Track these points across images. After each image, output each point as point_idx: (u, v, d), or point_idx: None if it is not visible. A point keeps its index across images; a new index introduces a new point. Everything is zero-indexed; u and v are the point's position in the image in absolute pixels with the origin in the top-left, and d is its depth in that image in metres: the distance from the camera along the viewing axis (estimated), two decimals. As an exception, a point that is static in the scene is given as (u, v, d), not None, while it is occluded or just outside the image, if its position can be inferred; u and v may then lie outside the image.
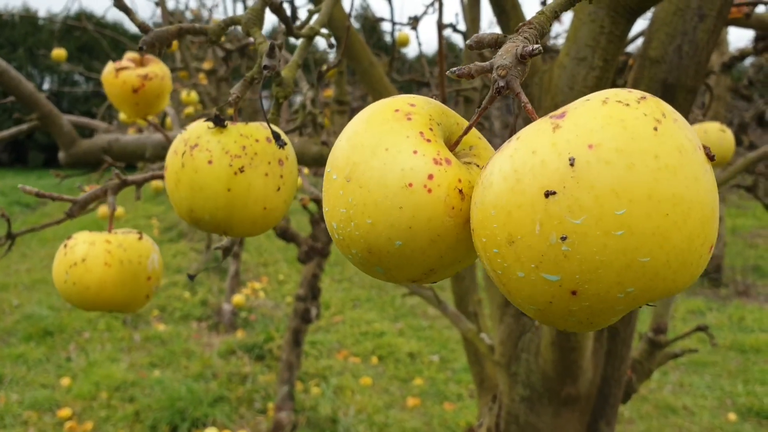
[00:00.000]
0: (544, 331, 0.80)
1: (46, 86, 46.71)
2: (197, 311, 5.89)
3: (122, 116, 2.95)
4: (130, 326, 5.46)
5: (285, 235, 3.80)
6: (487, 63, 0.36)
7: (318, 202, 1.45)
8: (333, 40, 0.66)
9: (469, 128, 0.42)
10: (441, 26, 1.11)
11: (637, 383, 1.05)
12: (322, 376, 4.46)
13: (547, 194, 0.33)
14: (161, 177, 0.90)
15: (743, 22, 1.05)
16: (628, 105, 0.34)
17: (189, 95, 3.36)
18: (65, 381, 4.19)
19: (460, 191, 0.39)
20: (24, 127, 1.09)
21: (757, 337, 5.45)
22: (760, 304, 7.16)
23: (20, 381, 4.23)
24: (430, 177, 0.38)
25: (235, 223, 0.57)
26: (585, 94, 0.64)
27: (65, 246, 0.80)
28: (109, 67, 0.87)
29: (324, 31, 0.65)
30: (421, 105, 0.43)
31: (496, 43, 0.39)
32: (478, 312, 1.43)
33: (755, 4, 1.05)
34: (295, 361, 3.64)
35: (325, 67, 0.88)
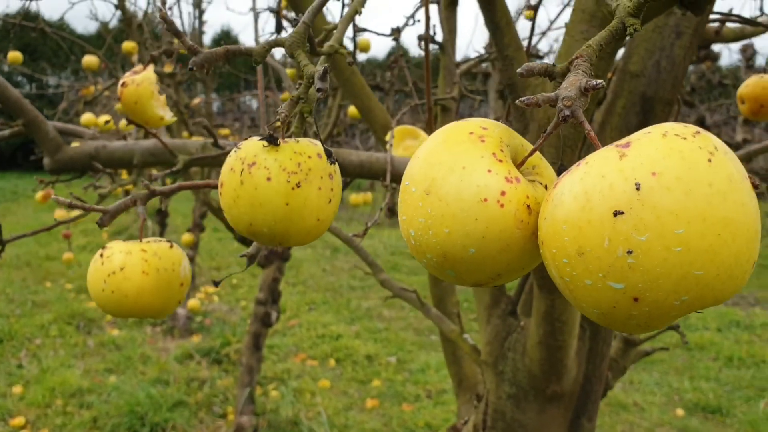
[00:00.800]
0: (531, 331, 0.85)
1: (-15, 85, 45.38)
2: (151, 316, 5.81)
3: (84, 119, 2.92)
4: (83, 332, 5.36)
5: (245, 239, 3.80)
6: (553, 94, 0.41)
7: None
8: (350, 59, 0.71)
9: (533, 151, 0.47)
10: (428, 39, 1.16)
11: (613, 380, 1.11)
12: (281, 379, 4.46)
13: (616, 213, 0.38)
14: (188, 188, 0.93)
15: (713, 39, 1.13)
16: (685, 138, 0.40)
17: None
18: (17, 389, 4.10)
19: (528, 206, 0.44)
20: (6, 132, 1.10)
21: (701, 335, 5.66)
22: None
23: (-31, 390, 4.12)
24: (503, 193, 0.44)
25: (291, 235, 0.62)
26: (577, 110, 0.70)
27: (101, 256, 0.83)
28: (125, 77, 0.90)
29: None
30: (492, 128, 0.48)
31: (546, 72, 0.45)
32: (456, 313, 1.48)
33: (723, 22, 1.13)
34: (255, 364, 3.65)
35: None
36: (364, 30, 1.48)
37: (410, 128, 1.11)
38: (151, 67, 0.93)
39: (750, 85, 1.19)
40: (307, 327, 5.79)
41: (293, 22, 3.19)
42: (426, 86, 1.14)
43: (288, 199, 0.58)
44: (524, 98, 0.42)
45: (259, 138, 0.58)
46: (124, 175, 7.27)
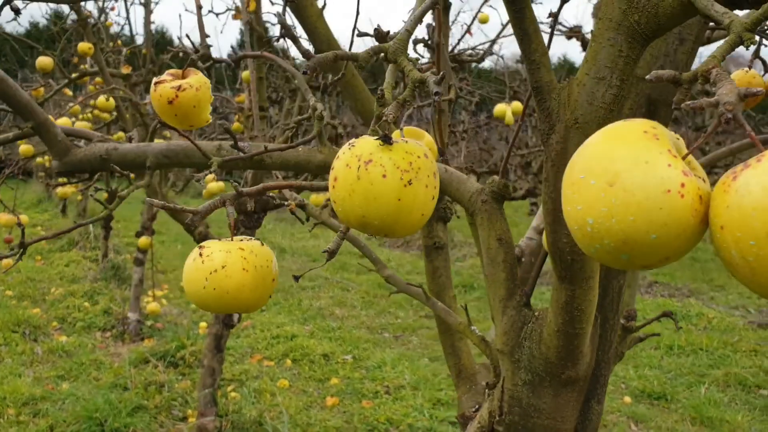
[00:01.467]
0: (549, 320, 0.90)
1: None
2: (100, 321, 5.70)
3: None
4: (29, 339, 5.21)
5: (205, 239, 3.78)
6: (714, 99, 0.47)
7: (302, 207, 1.51)
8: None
9: (693, 149, 0.53)
10: (439, 45, 1.20)
11: (613, 365, 1.18)
12: (239, 380, 4.45)
13: None
14: (274, 188, 0.96)
15: (705, 43, 1.21)
16: None
17: (108, 101, 3.27)
18: (-35, 399, 3.97)
19: (700, 197, 0.51)
20: (12, 135, 1.10)
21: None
22: (641, 294, 7.73)
23: None
24: (683, 185, 0.50)
25: (398, 228, 0.67)
26: (603, 109, 0.76)
27: (201, 255, 0.85)
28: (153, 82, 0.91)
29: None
30: (659, 128, 0.55)
31: (673, 80, 0.51)
32: (455, 306, 1.53)
33: (714, 29, 1.21)
34: (217, 366, 3.63)
35: (330, 79, 0.95)
36: (366, 34, 1.51)
37: (416, 129, 1.16)
38: (197, 72, 0.94)
39: (734, 79, 1.26)
40: (261, 328, 5.77)
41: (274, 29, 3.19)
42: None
43: (400, 195, 0.64)
44: (689, 102, 0.48)
45: (375, 138, 0.63)
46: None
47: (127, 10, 8.94)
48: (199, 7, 1.12)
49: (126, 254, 9.03)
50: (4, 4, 1.09)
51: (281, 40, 4.33)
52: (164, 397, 4.02)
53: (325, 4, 1.46)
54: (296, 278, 0.98)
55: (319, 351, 5.14)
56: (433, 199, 0.67)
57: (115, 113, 3.39)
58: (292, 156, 0.97)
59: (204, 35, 1.07)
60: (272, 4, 2.94)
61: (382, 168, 0.63)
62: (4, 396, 3.93)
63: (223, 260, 0.85)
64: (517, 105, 3.66)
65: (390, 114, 0.60)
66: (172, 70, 0.92)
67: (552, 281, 0.88)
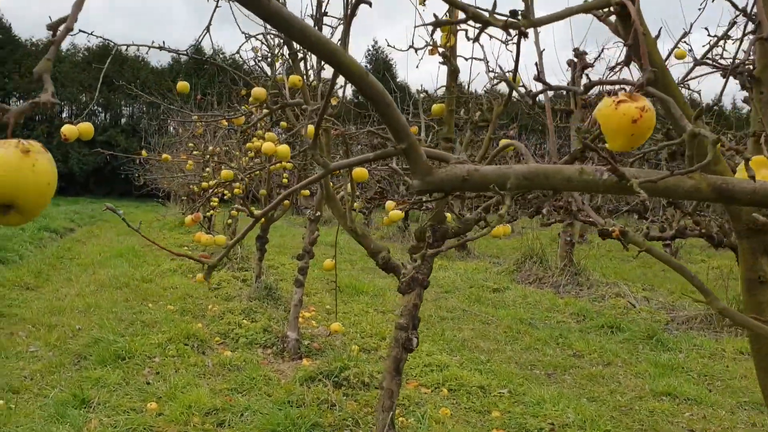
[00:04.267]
0: None
1: (64, 115, 47.10)
2: (260, 338, 5.94)
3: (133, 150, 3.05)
4: (198, 352, 5.50)
5: (387, 266, 3.89)
6: None
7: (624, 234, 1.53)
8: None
9: None
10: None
11: None
12: (402, 404, 4.49)
13: None
14: None
15: None
16: None
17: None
18: (152, 405, 4.23)
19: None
20: (390, 150, 1.18)
21: None
22: None
23: (106, 404, 4.27)
24: None
25: None
26: None
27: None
28: (608, 101, 0.95)
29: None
30: None
31: None
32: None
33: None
34: (395, 389, 3.69)
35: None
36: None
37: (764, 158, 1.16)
38: (644, 98, 0.97)
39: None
40: (412, 355, 5.81)
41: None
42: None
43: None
44: None
45: None
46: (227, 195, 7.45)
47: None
48: (541, 52, 1.18)
49: (273, 275, 9.39)
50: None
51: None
52: (336, 416, 4.12)
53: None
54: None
55: (474, 382, 5.12)
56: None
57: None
58: (672, 183, 0.99)
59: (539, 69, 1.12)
60: (468, 39, 3.00)
61: None
62: (190, 405, 4.15)
63: None
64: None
65: None
66: (625, 93, 0.95)
67: None
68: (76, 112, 47.31)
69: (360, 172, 3.34)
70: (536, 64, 1.72)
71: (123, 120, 51.11)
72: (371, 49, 37.20)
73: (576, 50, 5.24)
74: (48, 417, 3.96)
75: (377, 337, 6.55)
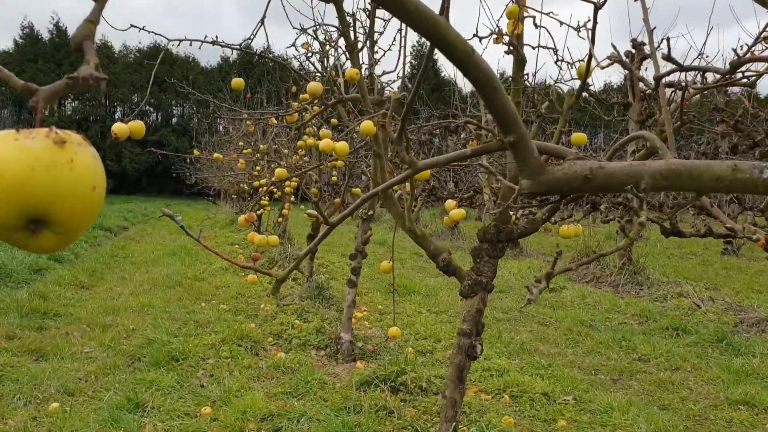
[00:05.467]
0: None
1: (117, 115, 48.22)
2: (313, 339, 5.81)
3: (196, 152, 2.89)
4: (251, 353, 5.40)
5: (448, 268, 3.69)
6: None
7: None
8: None
9: None
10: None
11: None
12: (464, 413, 4.30)
13: None
14: None
15: None
16: None
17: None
18: (206, 410, 4.12)
19: None
20: (492, 144, 1.01)
21: None
22: None
23: (160, 409, 4.18)
24: None
25: None
26: None
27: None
28: None
29: None
30: None
31: None
32: None
33: None
34: (458, 398, 3.50)
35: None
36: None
37: None
38: None
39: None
40: (470, 359, 5.60)
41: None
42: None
43: None
44: None
45: None
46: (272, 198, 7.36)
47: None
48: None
49: (323, 274, 9.29)
50: None
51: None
52: (395, 424, 3.95)
53: None
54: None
55: (537, 389, 4.89)
56: None
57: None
58: None
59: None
60: (536, 27, 2.82)
61: None
62: (244, 410, 4.03)
63: None
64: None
65: None
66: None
67: None
68: (128, 112, 48.32)
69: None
70: (667, 39, 1.51)
71: (174, 120, 52.01)
72: (416, 44, 36.49)
73: (634, 41, 4.95)
74: (102, 421, 3.88)
75: (432, 339, 6.36)
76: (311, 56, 4.83)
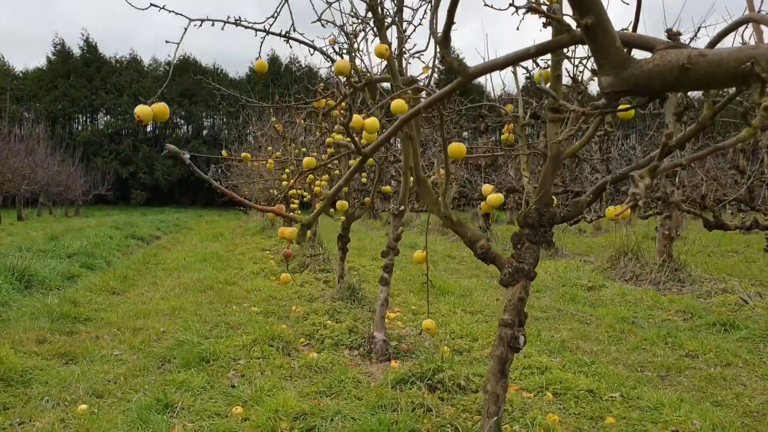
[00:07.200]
0: None
1: (149, 128, 48.78)
2: (346, 339, 5.64)
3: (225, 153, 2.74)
4: (283, 353, 5.25)
5: (486, 255, 3.49)
6: None
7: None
8: None
9: None
10: None
11: None
12: (506, 410, 4.08)
13: None
14: None
15: None
16: None
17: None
18: (237, 410, 3.98)
19: None
20: (564, 38, 0.82)
21: None
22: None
23: (190, 409, 4.04)
24: None
25: None
26: None
27: None
28: None
29: None
30: None
31: None
32: None
33: None
34: (501, 392, 3.30)
35: None
36: None
37: None
38: None
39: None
40: (509, 356, 5.38)
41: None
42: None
43: None
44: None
45: None
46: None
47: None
48: None
49: (354, 276, 9.13)
50: None
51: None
52: (434, 422, 3.75)
53: None
54: None
55: (581, 386, 4.65)
56: None
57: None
58: None
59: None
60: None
61: None
62: (276, 408, 3.87)
63: None
64: None
65: None
66: None
67: None
68: (160, 125, 48.86)
69: (457, 148, 2.98)
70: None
71: (205, 132, 52.44)
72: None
73: (669, 31, 4.71)
74: (131, 422, 3.76)
75: (468, 338, 6.15)
76: (340, 50, 4.69)
